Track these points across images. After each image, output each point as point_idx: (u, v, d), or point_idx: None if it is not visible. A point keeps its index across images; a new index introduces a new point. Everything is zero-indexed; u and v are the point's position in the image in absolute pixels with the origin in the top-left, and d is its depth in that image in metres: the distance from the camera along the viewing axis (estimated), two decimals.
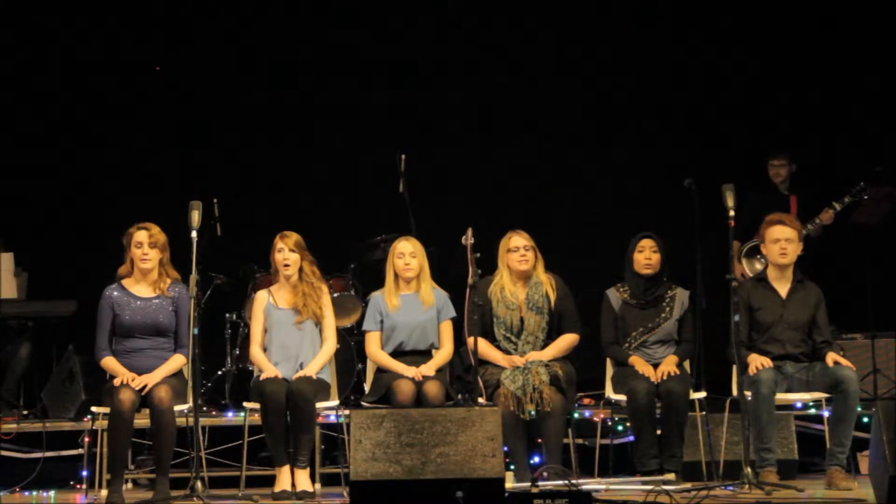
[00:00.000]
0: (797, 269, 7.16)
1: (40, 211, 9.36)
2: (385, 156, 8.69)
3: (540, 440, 7.10)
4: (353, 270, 8.59)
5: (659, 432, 7.06)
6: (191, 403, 6.85)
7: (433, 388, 6.96)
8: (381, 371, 7.24)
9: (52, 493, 7.49)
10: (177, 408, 6.74)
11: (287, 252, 7.14)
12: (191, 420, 6.78)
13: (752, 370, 6.86)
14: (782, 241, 7.06)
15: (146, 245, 6.87)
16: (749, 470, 6.57)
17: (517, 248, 7.28)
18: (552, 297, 7.28)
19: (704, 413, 7.21)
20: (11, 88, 9.38)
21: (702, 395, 7.23)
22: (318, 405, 7.00)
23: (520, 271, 7.28)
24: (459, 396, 7.08)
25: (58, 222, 9.39)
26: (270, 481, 6.97)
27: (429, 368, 7.10)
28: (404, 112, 9.59)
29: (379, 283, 7.42)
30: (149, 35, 9.61)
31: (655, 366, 7.14)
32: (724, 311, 6.94)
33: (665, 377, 7.05)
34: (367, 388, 7.44)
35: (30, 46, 9.50)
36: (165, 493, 6.60)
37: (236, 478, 7.19)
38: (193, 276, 6.62)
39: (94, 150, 9.55)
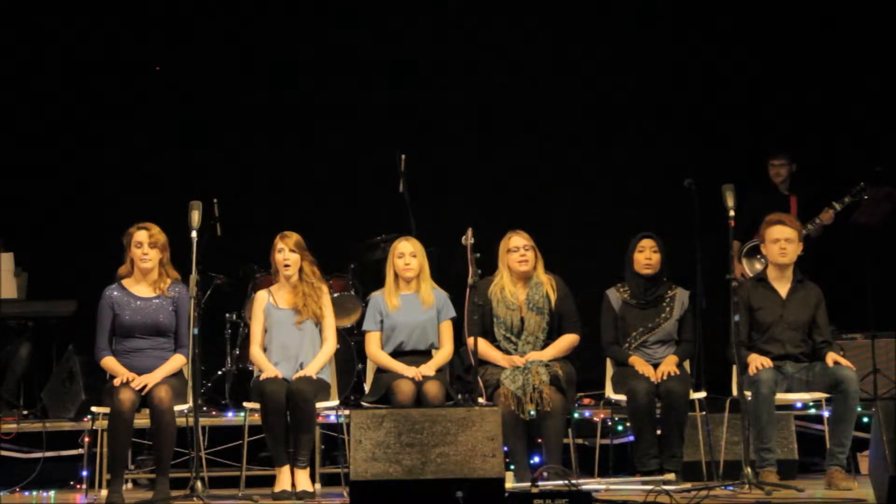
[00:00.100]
0: (797, 269, 7.16)
1: (40, 211, 9.36)
2: (385, 156, 8.69)
3: (540, 440, 7.10)
4: (353, 270, 8.59)
5: (659, 432, 7.06)
6: (191, 403, 6.85)
7: (433, 388, 6.96)
8: (381, 371, 7.24)
9: (52, 493, 7.49)
10: (177, 408, 6.74)
11: (287, 252, 7.14)
12: (191, 420, 6.78)
13: (752, 370, 6.86)
14: (782, 240, 7.06)
15: (146, 245, 6.87)
16: (749, 470, 6.57)
17: (517, 249, 7.28)
18: (552, 297, 7.28)
19: (704, 413, 7.21)
20: (11, 88, 9.38)
21: (702, 395, 7.23)
22: (318, 405, 7.00)
23: (520, 272, 7.28)
24: (459, 396, 7.08)
25: (58, 222, 9.39)
26: (270, 481, 6.97)
27: (429, 368, 7.10)
28: (404, 112, 9.59)
29: (379, 283, 7.42)
30: (149, 35, 9.61)
31: (655, 366, 7.14)
32: (724, 311, 6.94)
33: (665, 377, 7.05)
34: (367, 388, 7.44)
35: (30, 46, 9.50)
36: (165, 493, 6.60)
37: (236, 478, 7.19)
38: (193, 276, 6.62)
39: (94, 150, 9.55)
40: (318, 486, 7.09)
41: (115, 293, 6.91)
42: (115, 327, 6.88)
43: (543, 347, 7.22)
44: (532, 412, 6.93)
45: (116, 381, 6.68)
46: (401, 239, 7.39)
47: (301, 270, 7.16)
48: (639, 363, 7.16)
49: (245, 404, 7.18)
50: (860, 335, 8.47)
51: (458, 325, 7.26)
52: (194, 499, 6.46)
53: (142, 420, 6.83)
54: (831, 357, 6.94)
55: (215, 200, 8.50)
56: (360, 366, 8.19)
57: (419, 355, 7.23)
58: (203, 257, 7.03)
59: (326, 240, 7.94)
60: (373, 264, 8.42)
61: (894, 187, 8.61)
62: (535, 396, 6.94)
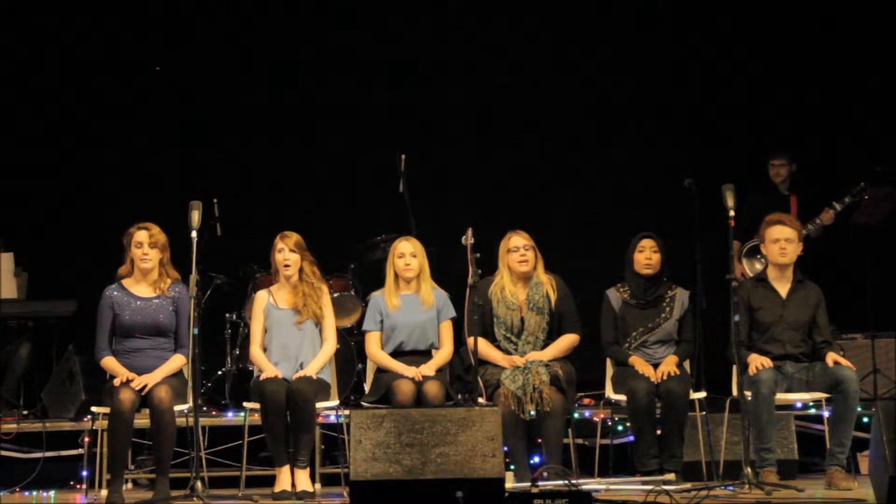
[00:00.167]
0: (797, 269, 7.16)
1: (40, 211, 9.36)
2: (385, 156, 8.69)
3: (540, 440, 7.10)
4: (353, 270, 8.59)
5: (659, 432, 7.06)
6: (191, 403, 6.84)
7: (433, 388, 6.96)
8: (381, 371, 7.24)
9: (52, 493, 7.49)
10: (177, 408, 6.74)
11: (287, 252, 7.14)
12: (191, 420, 6.78)
13: (752, 370, 6.86)
14: (782, 240, 7.06)
15: (146, 245, 6.87)
16: (749, 470, 6.57)
17: (517, 249, 7.28)
18: (552, 297, 7.28)
19: (704, 413, 7.21)
20: (11, 88, 9.38)
21: (702, 395, 7.23)
22: (318, 405, 7.00)
23: (520, 272, 7.28)
24: (459, 396, 7.08)
25: (58, 222, 9.39)
26: (270, 481, 6.97)
27: (429, 368, 7.10)
28: (404, 112, 9.59)
29: (379, 283, 7.42)
30: (149, 35, 9.61)
31: (655, 366, 7.14)
32: (724, 311, 6.94)
33: (665, 377, 7.05)
34: (367, 388, 7.44)
35: (30, 46, 9.50)
36: (165, 493, 6.60)
37: (236, 478, 7.19)
38: (193, 276, 6.62)
39: (94, 150, 9.55)
40: (318, 486, 7.09)
41: (115, 293, 6.91)
42: (115, 327, 6.88)
43: (543, 347, 7.22)
44: (532, 412, 6.93)
45: (116, 381, 6.68)
46: (401, 239, 7.39)
47: (301, 270, 7.16)
48: (639, 363, 7.16)
49: (245, 404, 7.18)
50: (860, 335, 8.47)
51: (458, 325, 7.26)
52: (194, 499, 6.46)
53: (142, 420, 6.83)
54: (831, 357, 6.94)
55: (215, 200, 8.50)
56: (360, 366, 8.19)
57: (419, 355, 7.23)
58: (203, 257, 7.03)
59: (326, 240, 7.94)
60: (373, 264, 8.42)
61: (894, 187, 8.61)
62: (536, 396, 6.94)
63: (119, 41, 9.57)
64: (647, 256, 7.31)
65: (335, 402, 7.25)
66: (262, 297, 7.21)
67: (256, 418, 7.03)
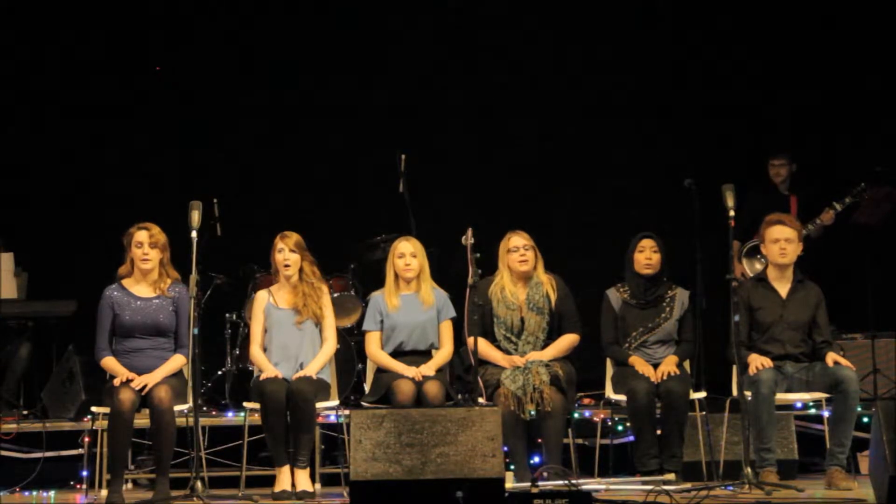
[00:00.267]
0: (797, 269, 7.16)
1: (40, 211, 9.36)
2: (385, 156, 8.69)
3: (540, 440, 7.10)
4: (353, 270, 8.59)
5: (659, 432, 7.06)
6: (191, 403, 6.84)
7: (433, 388, 6.96)
8: (381, 371, 7.24)
9: (52, 493, 7.49)
10: (177, 408, 6.74)
11: (287, 252, 7.14)
12: (191, 420, 6.78)
13: (752, 370, 6.86)
14: (782, 241, 7.06)
15: (146, 245, 6.87)
16: (749, 470, 6.57)
17: (517, 248, 7.28)
18: (552, 297, 7.28)
19: (704, 413, 7.21)
20: (11, 88, 9.38)
21: (702, 395, 7.23)
22: (318, 405, 7.00)
23: (520, 271, 7.28)
24: (459, 396, 7.08)
25: (58, 222, 9.38)
26: (270, 481, 6.97)
27: (429, 368, 7.10)
28: (404, 112, 9.59)
29: (379, 283, 7.42)
30: (149, 35, 9.61)
31: (655, 366, 7.14)
32: (724, 311, 6.94)
33: (665, 377, 7.05)
34: (367, 388, 7.44)
35: (30, 46, 9.49)
36: (165, 493, 6.60)
37: (236, 478, 7.19)
38: (193, 276, 6.62)
39: (94, 150, 9.55)
40: (318, 486, 7.09)
41: (115, 293, 6.91)
42: (116, 327, 6.88)
43: (543, 347, 7.22)
44: (532, 412, 6.93)
45: (116, 381, 6.68)
46: (401, 239, 7.39)
47: (301, 270, 7.16)
48: (639, 363, 7.16)
49: (245, 404, 7.18)
50: (860, 335, 8.47)
51: (458, 325, 7.26)
52: (194, 499, 6.46)
53: (142, 420, 6.83)
54: (831, 357, 6.94)
55: (215, 200, 8.50)
56: (360, 366, 8.19)
57: (419, 355, 7.23)
58: (203, 257, 7.02)
59: (326, 240, 7.94)
60: (373, 264, 8.42)
61: (894, 187, 8.61)
62: (536, 396, 6.94)
63: (119, 41, 9.57)
64: (647, 256, 7.31)
65: (335, 402, 7.25)
66: (262, 297, 7.21)
67: (256, 418, 7.03)
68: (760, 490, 6.46)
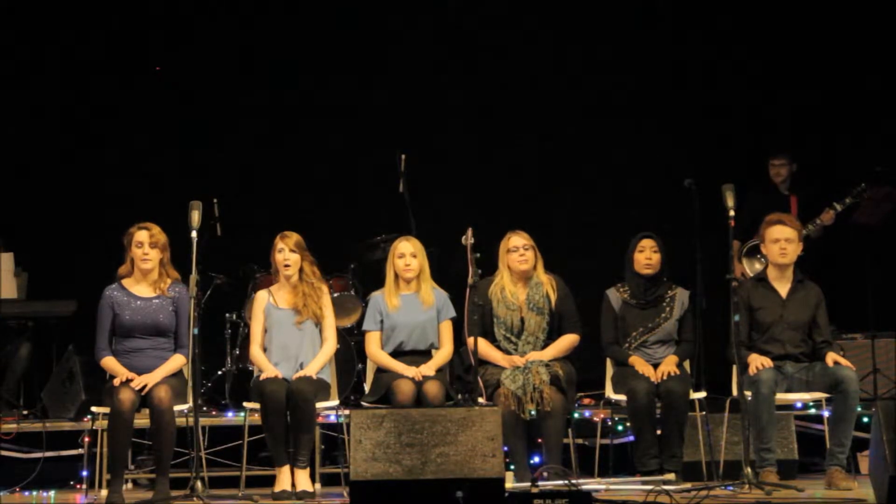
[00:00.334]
0: (797, 269, 7.16)
1: (40, 211, 9.36)
2: (385, 156, 8.69)
3: (540, 440, 7.10)
4: (353, 270, 8.59)
5: (659, 432, 7.06)
6: (191, 403, 6.85)
7: (433, 388, 6.96)
8: (381, 371, 7.24)
9: (52, 493, 7.49)
10: (177, 408, 6.74)
11: (287, 252, 7.14)
12: (191, 420, 6.78)
13: (752, 370, 6.86)
14: (782, 240, 7.06)
15: (147, 245, 6.87)
16: (749, 470, 6.57)
17: (517, 248, 7.28)
18: (552, 297, 7.28)
19: (704, 413, 7.21)
20: (11, 88, 9.38)
21: (702, 395, 7.23)
22: (318, 405, 7.00)
23: (520, 271, 7.28)
24: (459, 396, 7.08)
25: (58, 222, 9.38)
26: (270, 481, 6.97)
27: (429, 368, 7.10)
28: (404, 112, 9.59)
29: (379, 283, 7.42)
30: (149, 35, 9.61)
31: (655, 366, 7.14)
32: (724, 311, 6.94)
33: (665, 377, 7.05)
34: (367, 388, 7.44)
35: (30, 46, 9.49)
36: (165, 493, 6.60)
37: (236, 478, 7.19)
38: (193, 276, 6.62)
39: (94, 150, 9.55)
40: (318, 486, 7.09)
41: (115, 293, 6.91)
42: (115, 327, 6.88)
43: (543, 347, 7.22)
44: (532, 412, 6.93)
45: (116, 381, 6.68)
46: (401, 239, 7.39)
47: (301, 270, 7.16)
48: (639, 363, 7.16)
49: (245, 404, 7.18)
50: (860, 335, 8.47)
51: (458, 325, 7.26)
52: (194, 499, 6.46)
53: (142, 420, 6.83)
54: (831, 357, 6.94)
55: (215, 200, 8.50)
56: (360, 366, 8.19)
57: (419, 355, 7.23)
58: (203, 257, 7.02)
59: (326, 240, 7.94)
60: (373, 264, 8.42)
61: (894, 187, 8.61)
62: (536, 396, 6.94)
63: (119, 41, 9.57)
64: (647, 256, 7.31)
65: (335, 402, 7.25)
66: (262, 297, 7.21)
67: (256, 418, 7.03)
68: (760, 490, 6.46)
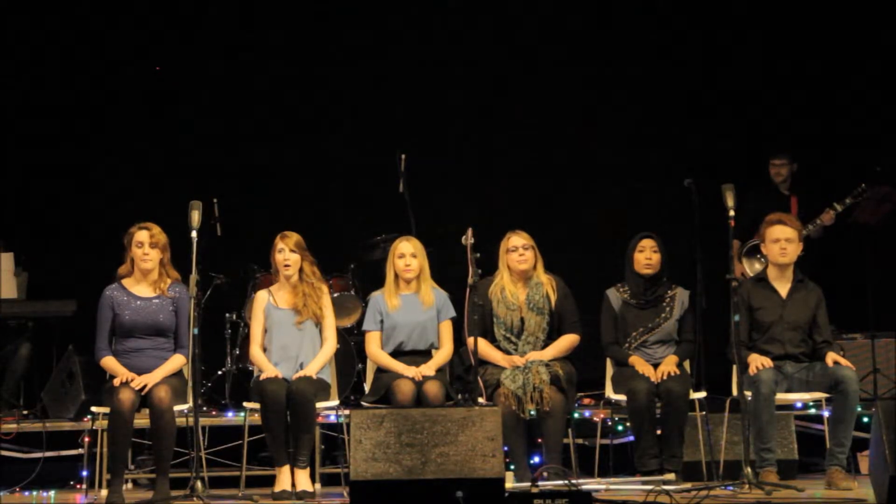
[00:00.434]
0: (797, 269, 7.17)
1: (40, 211, 9.36)
2: (385, 156, 8.68)
3: (540, 440, 7.10)
4: (353, 270, 8.59)
5: (659, 432, 7.06)
6: (191, 403, 6.85)
7: (433, 388, 6.96)
8: (381, 371, 7.24)
9: (52, 493, 7.48)
10: (177, 408, 6.74)
11: (287, 252, 7.14)
12: (191, 420, 6.78)
13: (752, 370, 6.86)
14: (782, 240, 7.06)
15: (147, 245, 6.87)
16: (749, 470, 6.57)
17: (516, 248, 7.28)
18: (552, 297, 7.28)
19: (704, 413, 7.21)
20: (11, 88, 9.37)
21: (702, 395, 7.22)
22: (318, 405, 7.00)
23: (520, 271, 7.28)
24: (459, 396, 7.08)
25: (58, 222, 9.38)
26: (270, 481, 6.97)
27: (429, 368, 7.10)
28: (404, 112, 9.59)
29: (379, 283, 7.42)
30: (149, 35, 9.60)
31: (655, 366, 7.14)
32: (724, 311, 6.94)
33: (665, 377, 7.05)
34: (367, 388, 7.44)
35: (30, 46, 9.49)
36: (165, 493, 6.60)
37: (236, 478, 7.20)
38: (193, 276, 6.62)
39: (94, 151, 9.54)
40: (318, 486, 7.09)
41: (115, 293, 6.91)
42: (115, 327, 6.89)
43: (543, 347, 7.22)
44: (532, 412, 6.93)
45: (116, 381, 6.68)
46: (401, 239, 7.39)
47: (301, 270, 7.16)
48: (639, 363, 7.16)
49: (245, 404, 7.18)
50: (860, 335, 8.47)
51: (458, 325, 7.26)
52: (194, 499, 6.46)
53: (142, 420, 6.83)
54: (831, 357, 6.94)
55: (215, 200, 8.50)
56: (360, 366, 8.18)
57: (419, 355, 7.23)
58: (203, 257, 7.02)
59: (326, 240, 7.94)
60: (373, 264, 8.42)
61: (894, 187, 8.61)
62: (536, 396, 6.94)
63: (120, 41, 9.56)
64: (647, 256, 7.31)
65: (335, 402, 7.25)
66: (262, 297, 7.21)
67: (256, 418, 7.03)
68: (760, 490, 6.46)
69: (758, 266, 8.46)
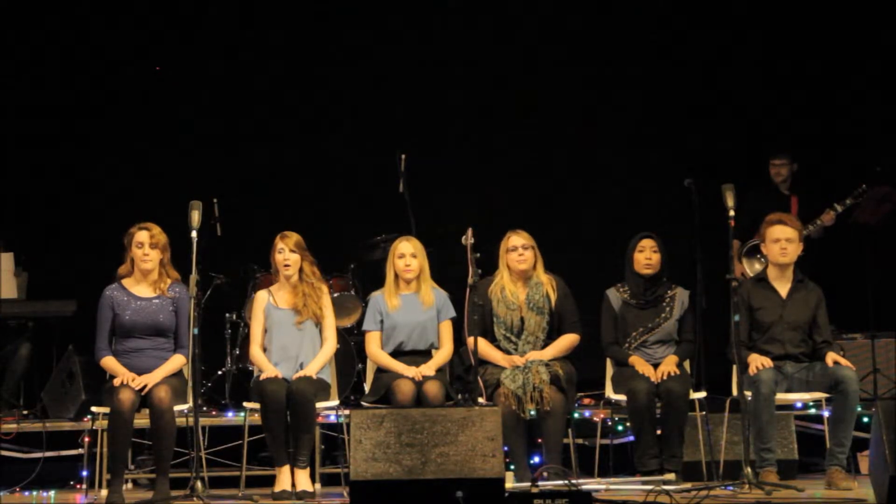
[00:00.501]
0: (797, 269, 7.17)
1: (40, 211, 9.36)
2: (385, 156, 8.68)
3: (540, 440, 7.10)
4: (353, 270, 8.59)
5: (659, 432, 7.06)
6: (191, 403, 6.85)
7: (433, 388, 6.96)
8: (381, 371, 7.24)
9: (52, 493, 7.49)
10: (177, 408, 6.74)
11: (287, 252, 7.14)
12: (191, 420, 6.78)
13: (752, 370, 6.87)
14: (783, 240, 7.06)
15: (147, 245, 6.87)
16: (749, 470, 6.57)
17: (516, 248, 7.29)
18: (552, 297, 7.28)
19: (704, 413, 7.21)
20: (11, 88, 9.37)
21: (702, 395, 7.22)
22: (318, 405, 7.00)
23: (519, 271, 7.28)
24: (459, 396, 7.08)
25: (58, 222, 9.38)
26: (270, 481, 6.97)
27: (429, 368, 7.10)
28: (404, 112, 9.59)
29: (379, 283, 7.42)
30: (149, 35, 9.61)
31: (655, 366, 7.14)
32: (724, 311, 6.94)
33: (665, 377, 7.05)
34: (367, 388, 7.44)
35: (30, 46, 9.49)
36: (165, 493, 6.60)
37: (236, 478, 7.20)
38: (193, 276, 6.62)
39: (94, 151, 9.55)
40: (318, 486, 7.09)
41: (115, 293, 6.91)
42: (115, 327, 6.89)
43: (543, 347, 7.22)
44: (532, 412, 6.94)
45: (116, 381, 6.68)
46: (401, 239, 7.39)
47: (301, 270, 7.17)
48: (639, 363, 7.16)
49: (245, 404, 7.18)
50: (860, 335, 8.47)
51: (458, 325, 7.26)
52: (194, 499, 6.46)
53: (142, 420, 6.83)
54: (831, 357, 6.94)
55: (215, 200, 8.50)
56: (360, 366, 8.19)
57: (419, 355, 7.23)
58: (203, 257, 7.02)
59: (326, 240, 7.94)
60: (373, 264, 8.42)
61: (894, 187, 8.61)
62: (536, 396, 6.94)
63: (120, 41, 9.56)
64: (647, 256, 7.31)
65: (335, 402, 7.25)
66: (262, 297, 7.21)
67: (256, 418, 7.03)
68: (760, 490, 6.46)
69: (758, 266, 8.46)
